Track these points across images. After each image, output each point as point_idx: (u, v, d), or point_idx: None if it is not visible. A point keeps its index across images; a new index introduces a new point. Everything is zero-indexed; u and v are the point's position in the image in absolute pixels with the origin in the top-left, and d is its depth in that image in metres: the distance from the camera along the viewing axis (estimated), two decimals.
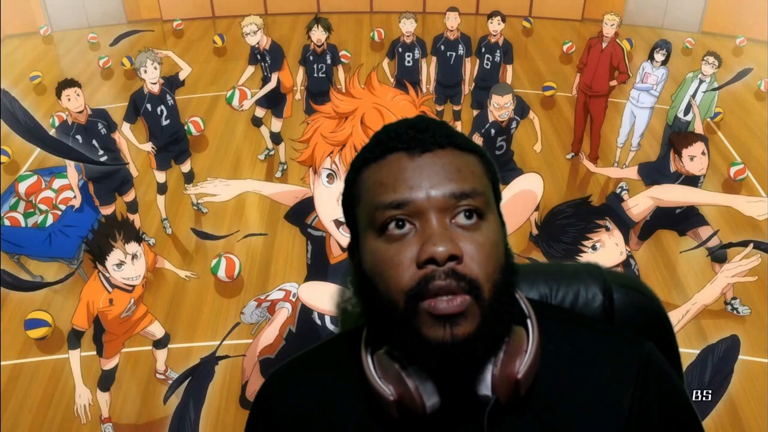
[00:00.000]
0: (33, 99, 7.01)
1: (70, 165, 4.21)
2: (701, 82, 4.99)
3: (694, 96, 5.01)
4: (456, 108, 5.74)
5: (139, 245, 2.94)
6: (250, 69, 5.29)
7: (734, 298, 4.11)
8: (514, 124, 4.50)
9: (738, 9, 8.88)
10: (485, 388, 0.71)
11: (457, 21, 5.38)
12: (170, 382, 3.23)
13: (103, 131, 4.19)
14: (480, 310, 0.66)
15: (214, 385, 2.94)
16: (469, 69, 5.56)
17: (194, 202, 5.15)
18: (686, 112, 5.11)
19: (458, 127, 5.53)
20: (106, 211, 4.40)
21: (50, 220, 4.45)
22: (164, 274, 4.31)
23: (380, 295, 0.69)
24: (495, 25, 5.37)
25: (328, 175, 2.10)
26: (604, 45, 5.30)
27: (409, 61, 5.53)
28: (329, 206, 2.14)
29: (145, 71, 4.31)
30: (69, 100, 3.99)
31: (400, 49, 5.52)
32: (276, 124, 5.48)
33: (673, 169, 3.74)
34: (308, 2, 10.01)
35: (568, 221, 2.41)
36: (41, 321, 3.94)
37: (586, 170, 5.01)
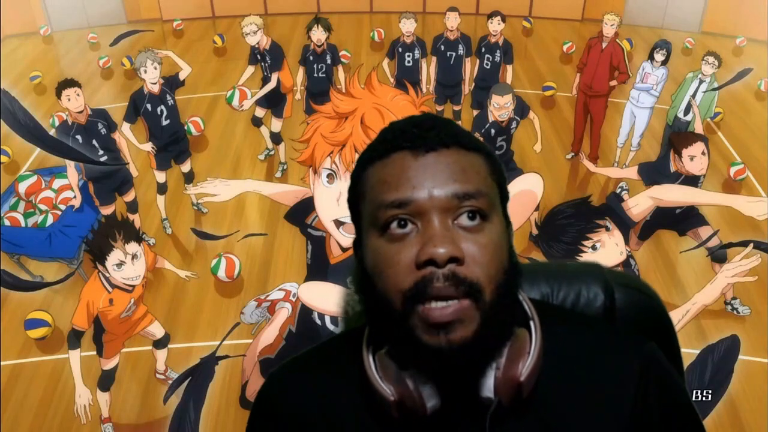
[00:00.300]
0: (33, 99, 7.01)
1: (70, 165, 4.21)
2: (701, 82, 4.99)
3: (694, 96, 5.01)
4: (456, 108, 5.74)
5: (139, 245, 2.94)
6: (250, 69, 5.29)
7: (734, 298, 4.11)
8: (514, 124, 4.50)
9: (738, 9, 8.88)
10: (487, 390, 0.71)
11: (457, 21, 5.38)
12: (170, 382, 3.23)
13: (103, 131, 4.19)
14: (479, 313, 0.66)
15: (214, 385, 2.94)
16: (469, 69, 5.56)
17: (194, 202, 5.15)
18: (686, 112, 5.11)
19: None
20: (106, 211, 4.40)
21: (50, 220, 4.45)
22: (164, 274, 4.31)
23: (379, 294, 0.69)
24: (495, 25, 5.37)
25: (328, 175, 2.10)
26: (604, 45, 5.30)
27: (409, 61, 5.53)
28: (329, 206, 2.14)
29: (145, 71, 4.31)
30: (69, 100, 3.99)
31: (400, 49, 5.52)
32: (276, 124, 5.48)
33: (673, 169, 3.74)
34: (308, 2, 10.01)
35: (568, 221, 2.41)
36: (41, 321, 3.94)
37: (586, 170, 5.01)
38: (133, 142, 4.46)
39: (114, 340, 3.19)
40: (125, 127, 4.42)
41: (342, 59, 5.64)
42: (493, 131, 4.40)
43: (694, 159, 3.61)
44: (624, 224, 2.66)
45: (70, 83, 4.00)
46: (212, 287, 4.39)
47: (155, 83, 4.40)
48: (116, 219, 3.14)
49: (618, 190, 5.08)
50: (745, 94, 7.07)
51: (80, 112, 4.07)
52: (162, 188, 4.83)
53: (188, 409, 2.67)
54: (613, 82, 5.41)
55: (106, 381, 3.31)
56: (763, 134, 6.37)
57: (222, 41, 8.63)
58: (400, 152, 0.70)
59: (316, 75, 5.28)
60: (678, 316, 2.22)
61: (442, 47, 5.46)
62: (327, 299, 2.21)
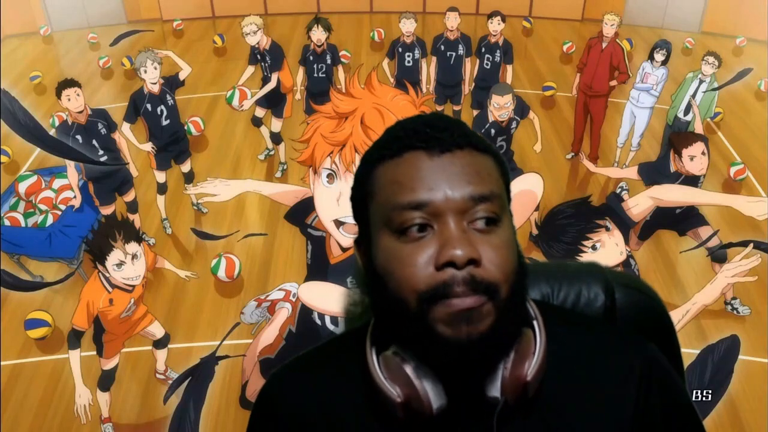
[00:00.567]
0: (33, 99, 7.01)
1: (70, 165, 4.21)
2: (701, 82, 4.99)
3: (694, 96, 5.01)
4: (456, 108, 5.74)
5: (139, 245, 2.94)
6: (250, 69, 5.29)
7: (734, 298, 4.11)
8: (514, 124, 4.50)
9: (738, 9, 8.88)
10: (494, 390, 0.71)
11: (457, 21, 5.38)
12: (170, 382, 3.23)
13: (103, 131, 4.19)
14: (495, 310, 0.66)
15: (214, 385, 2.93)
16: (469, 69, 5.56)
17: (194, 202, 5.15)
18: (686, 112, 5.11)
19: None
20: (106, 211, 4.40)
21: (50, 220, 4.45)
22: (164, 274, 4.31)
23: (391, 293, 0.69)
24: (495, 25, 5.38)
25: (328, 175, 2.10)
26: (604, 45, 5.30)
27: (409, 61, 5.53)
28: (329, 206, 2.14)
29: (145, 71, 4.31)
30: (69, 100, 3.99)
31: (400, 49, 5.52)
32: (276, 124, 5.48)
33: (673, 169, 3.74)
34: (308, 2, 10.01)
35: (568, 221, 2.41)
36: (41, 321, 3.94)
37: (586, 170, 5.01)
38: (133, 142, 4.46)
39: (114, 340, 3.19)
40: (125, 127, 4.42)
41: (342, 59, 5.64)
42: (493, 131, 4.40)
43: (694, 159, 3.61)
44: (624, 224, 2.66)
45: (70, 83, 4.00)
46: (212, 287, 4.39)
47: (155, 83, 4.40)
48: (116, 219, 3.14)
49: (618, 190, 5.08)
50: (745, 94, 7.07)
51: (80, 112, 4.07)
52: (162, 188, 4.83)
53: (188, 409, 2.67)
54: (613, 82, 5.41)
55: (106, 381, 3.31)
56: (763, 134, 6.37)
57: (222, 41, 8.63)
58: (414, 152, 0.70)
59: (316, 75, 5.28)
60: (678, 316, 2.22)
61: (442, 47, 5.46)
62: (327, 299, 2.21)
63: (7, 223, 4.42)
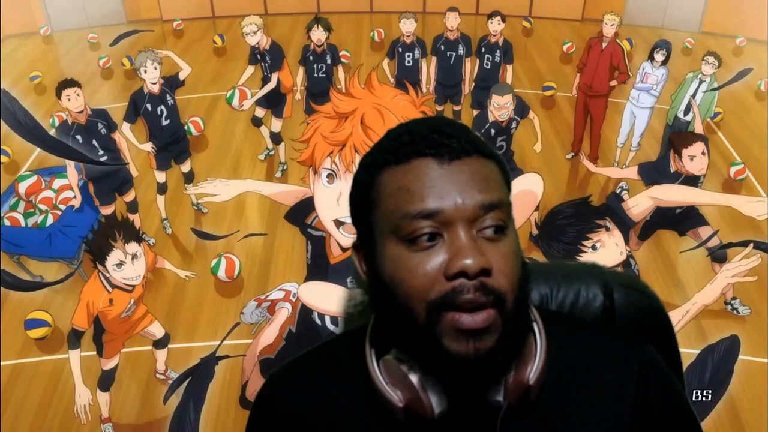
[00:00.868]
0: (33, 99, 7.01)
1: (70, 165, 4.21)
2: (701, 82, 4.99)
3: (694, 96, 5.01)
4: (456, 108, 5.74)
5: (139, 245, 2.94)
6: (250, 69, 5.29)
7: (734, 298, 4.11)
8: (514, 124, 4.50)
9: (738, 9, 8.88)
10: (496, 394, 0.70)
11: (457, 21, 5.38)
12: (170, 382, 3.23)
13: (103, 131, 4.19)
14: (502, 322, 0.66)
15: (214, 385, 2.93)
16: (469, 69, 5.56)
17: (194, 202, 5.15)
18: (686, 112, 5.11)
19: None
20: (106, 211, 4.40)
21: (50, 220, 4.45)
22: (164, 274, 4.31)
23: (399, 303, 0.68)
24: (495, 25, 5.38)
25: (328, 175, 2.10)
26: (604, 45, 5.30)
27: (409, 61, 5.53)
28: (329, 206, 2.14)
29: (145, 71, 4.31)
30: (69, 100, 3.99)
31: (400, 49, 5.52)
32: (276, 124, 5.48)
33: (673, 169, 3.74)
34: (308, 2, 10.01)
35: (568, 221, 2.41)
36: (41, 321, 3.94)
37: (586, 170, 5.01)
38: (133, 142, 4.46)
39: (114, 340, 3.19)
40: (125, 127, 4.42)
41: (342, 59, 5.64)
42: (493, 131, 4.40)
43: (694, 159, 3.61)
44: (624, 224, 2.66)
45: (70, 83, 4.00)
46: (212, 287, 4.39)
47: (155, 83, 4.40)
48: (116, 219, 3.14)
49: (618, 190, 5.08)
50: (745, 94, 7.07)
51: (80, 112, 4.07)
52: (162, 188, 4.83)
53: (188, 409, 2.67)
54: (613, 82, 5.41)
55: (106, 381, 3.31)
56: (763, 134, 6.37)
57: (222, 41, 8.63)
58: (423, 159, 0.68)
59: (316, 75, 5.28)
60: (678, 316, 2.22)
61: (442, 47, 5.46)
62: (327, 299, 2.21)
63: (7, 223, 4.42)
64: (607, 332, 0.81)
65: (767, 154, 5.99)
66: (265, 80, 5.23)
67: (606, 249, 2.46)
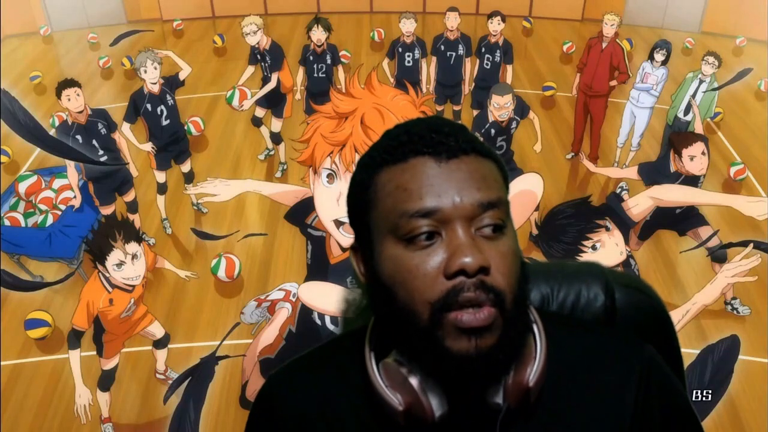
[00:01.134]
0: (33, 99, 7.01)
1: (70, 165, 4.21)
2: (701, 82, 4.99)
3: (694, 96, 5.01)
4: (456, 108, 5.74)
5: (139, 245, 2.94)
6: (250, 69, 5.29)
7: (734, 298, 4.11)
8: (514, 124, 4.50)
9: (738, 9, 8.88)
10: (496, 396, 0.70)
11: (457, 21, 5.38)
12: (170, 382, 3.23)
13: (103, 131, 4.19)
14: (502, 321, 0.66)
15: (214, 385, 2.93)
16: (469, 69, 5.56)
17: (194, 202, 5.15)
18: (686, 112, 5.11)
19: None
20: (106, 211, 4.40)
21: (50, 220, 4.45)
22: (164, 274, 4.31)
23: (401, 304, 0.67)
24: (495, 25, 5.38)
25: (328, 175, 2.10)
26: (604, 45, 5.30)
27: (409, 61, 5.53)
28: (329, 206, 2.14)
29: (145, 71, 4.31)
30: (69, 100, 3.99)
31: (400, 49, 5.52)
32: (276, 124, 5.48)
33: (673, 169, 3.74)
34: (308, 2, 10.01)
35: (568, 221, 2.41)
36: (41, 321, 3.94)
37: (586, 170, 5.01)
38: (133, 142, 4.46)
39: (114, 340, 3.19)
40: (125, 127, 4.42)
41: (342, 59, 5.64)
42: (493, 131, 4.40)
43: (694, 159, 3.61)
44: (624, 224, 2.66)
45: (70, 83, 4.00)
46: (212, 287, 4.39)
47: (155, 83, 4.40)
48: (116, 219, 3.14)
49: (618, 190, 5.08)
50: (745, 94, 7.07)
51: (80, 112, 4.07)
52: (162, 188, 4.83)
53: (188, 409, 2.67)
54: (613, 82, 5.41)
55: (106, 381, 3.31)
56: (763, 134, 6.37)
57: (222, 41, 8.63)
58: (420, 158, 0.68)
59: (316, 75, 5.28)
60: (678, 316, 2.22)
61: (442, 47, 5.46)
62: (327, 299, 2.21)
63: (7, 223, 4.42)
64: (607, 333, 0.81)
65: (767, 154, 5.99)
66: (265, 80, 5.23)
67: (606, 249, 2.46)
